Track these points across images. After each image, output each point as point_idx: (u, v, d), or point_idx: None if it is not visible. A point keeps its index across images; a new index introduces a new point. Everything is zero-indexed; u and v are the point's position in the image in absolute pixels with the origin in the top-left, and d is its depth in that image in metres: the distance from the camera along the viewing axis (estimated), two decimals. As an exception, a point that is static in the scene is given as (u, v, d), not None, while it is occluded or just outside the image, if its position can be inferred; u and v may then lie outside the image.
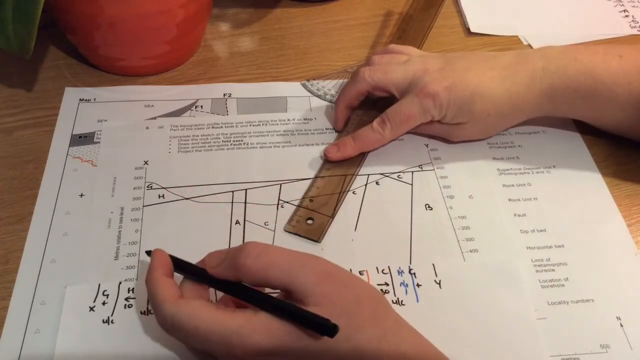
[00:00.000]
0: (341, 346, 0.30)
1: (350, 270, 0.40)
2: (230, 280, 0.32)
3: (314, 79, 0.54)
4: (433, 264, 0.40)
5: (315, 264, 0.32)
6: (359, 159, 0.47)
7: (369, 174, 0.46)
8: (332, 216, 0.43)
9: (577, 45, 0.46)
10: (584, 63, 0.43)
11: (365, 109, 0.49)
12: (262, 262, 0.31)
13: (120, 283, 0.38)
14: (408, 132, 0.48)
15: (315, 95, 0.53)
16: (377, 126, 0.45)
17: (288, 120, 0.50)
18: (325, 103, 0.52)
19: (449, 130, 0.46)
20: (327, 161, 0.46)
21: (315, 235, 0.42)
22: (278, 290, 0.33)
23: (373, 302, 0.32)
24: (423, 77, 0.44)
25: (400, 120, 0.45)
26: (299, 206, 0.43)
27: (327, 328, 0.29)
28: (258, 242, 0.32)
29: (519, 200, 0.45)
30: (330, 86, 0.54)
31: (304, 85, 0.54)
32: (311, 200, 0.44)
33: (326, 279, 0.31)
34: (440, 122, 0.45)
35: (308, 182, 0.45)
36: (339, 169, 0.46)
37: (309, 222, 0.42)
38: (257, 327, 0.29)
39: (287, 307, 0.30)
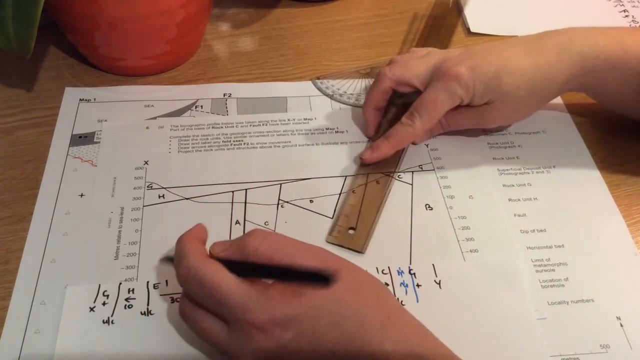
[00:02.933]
0: (347, 325, 0.30)
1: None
2: (240, 262, 0.33)
3: (325, 78, 0.54)
4: (433, 264, 0.40)
5: (318, 250, 0.33)
6: (396, 158, 0.47)
7: (369, 174, 0.46)
8: (373, 225, 0.42)
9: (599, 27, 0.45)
10: (613, 35, 0.43)
11: (394, 118, 0.48)
12: (269, 244, 0.32)
13: (120, 284, 0.38)
14: (442, 134, 0.48)
15: (324, 94, 0.53)
16: (406, 120, 0.45)
17: (288, 120, 0.50)
18: (326, 103, 0.52)
19: (482, 115, 0.45)
20: (363, 165, 0.46)
21: (358, 245, 0.41)
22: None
23: (376, 287, 0.33)
24: (444, 62, 0.43)
25: (428, 108, 0.44)
26: (338, 215, 0.43)
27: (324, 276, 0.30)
28: (264, 229, 0.33)
29: (519, 200, 0.45)
30: (340, 85, 0.54)
31: (314, 83, 0.54)
32: (350, 207, 0.43)
33: (328, 263, 0.32)
34: (469, 106, 0.44)
35: (308, 182, 0.45)
36: (376, 169, 0.46)
37: (350, 232, 0.42)
38: (273, 294, 0.30)
39: (292, 269, 0.31)
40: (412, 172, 0.46)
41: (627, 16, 0.63)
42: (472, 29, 0.60)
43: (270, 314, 0.30)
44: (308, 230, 0.42)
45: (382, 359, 0.30)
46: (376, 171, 0.46)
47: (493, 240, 0.42)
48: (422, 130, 0.45)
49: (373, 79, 0.47)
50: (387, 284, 0.39)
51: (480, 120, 0.46)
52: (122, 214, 0.43)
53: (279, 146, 0.48)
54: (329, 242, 0.41)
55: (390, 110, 0.49)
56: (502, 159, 0.48)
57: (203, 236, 0.35)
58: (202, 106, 0.51)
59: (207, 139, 0.48)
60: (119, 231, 0.42)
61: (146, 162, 0.46)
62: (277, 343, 0.30)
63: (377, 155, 0.45)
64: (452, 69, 0.42)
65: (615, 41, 0.42)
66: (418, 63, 0.45)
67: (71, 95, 0.52)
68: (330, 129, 0.50)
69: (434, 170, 0.47)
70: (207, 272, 0.31)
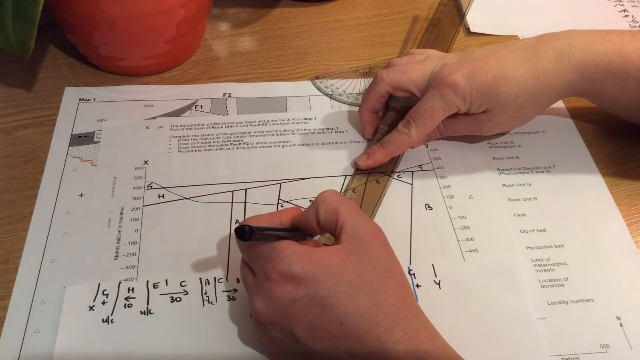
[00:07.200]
0: (362, 300, 0.31)
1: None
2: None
3: (324, 78, 0.54)
4: (433, 265, 0.40)
5: (374, 223, 0.35)
6: (395, 159, 0.47)
7: (369, 173, 0.46)
8: None
9: (600, 29, 0.44)
10: (613, 42, 0.42)
11: (391, 122, 0.49)
12: (339, 198, 0.35)
13: (120, 283, 0.38)
14: (440, 139, 0.48)
15: (324, 94, 0.53)
16: (402, 128, 0.45)
17: (288, 120, 0.50)
18: (326, 103, 0.52)
19: (479, 123, 0.45)
20: (358, 170, 0.46)
21: None
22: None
23: (403, 280, 0.33)
24: (441, 70, 0.43)
25: (424, 116, 0.44)
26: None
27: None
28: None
29: (519, 200, 0.45)
30: (339, 85, 0.54)
31: (313, 83, 0.54)
32: None
33: (376, 237, 0.34)
34: (467, 114, 0.44)
35: (308, 181, 0.45)
36: (375, 169, 0.46)
37: None
38: (301, 251, 0.32)
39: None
40: (412, 172, 0.46)
41: (627, 16, 0.63)
42: (472, 29, 0.60)
43: (288, 268, 0.31)
44: (308, 230, 0.42)
45: (388, 344, 0.30)
46: (375, 171, 0.46)
47: (493, 240, 0.42)
48: (418, 139, 0.45)
49: (373, 79, 0.47)
50: (387, 284, 0.39)
51: (478, 127, 0.46)
52: (122, 214, 0.43)
53: (279, 146, 0.48)
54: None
55: (388, 113, 0.49)
56: (502, 159, 0.48)
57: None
58: (202, 106, 0.51)
59: (207, 139, 0.48)
60: (119, 231, 0.42)
61: (146, 162, 0.46)
62: (288, 297, 0.31)
63: (372, 162, 0.46)
64: (449, 78, 0.42)
65: (615, 48, 0.42)
66: (416, 68, 0.45)
67: (71, 95, 0.52)
68: (330, 129, 0.50)
69: (434, 170, 0.47)
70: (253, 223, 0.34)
